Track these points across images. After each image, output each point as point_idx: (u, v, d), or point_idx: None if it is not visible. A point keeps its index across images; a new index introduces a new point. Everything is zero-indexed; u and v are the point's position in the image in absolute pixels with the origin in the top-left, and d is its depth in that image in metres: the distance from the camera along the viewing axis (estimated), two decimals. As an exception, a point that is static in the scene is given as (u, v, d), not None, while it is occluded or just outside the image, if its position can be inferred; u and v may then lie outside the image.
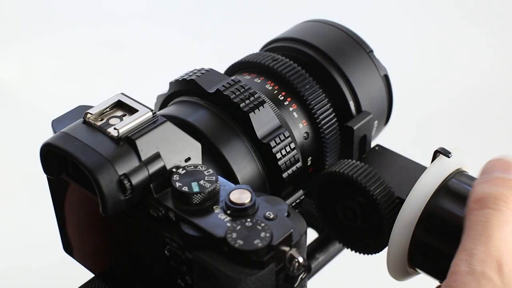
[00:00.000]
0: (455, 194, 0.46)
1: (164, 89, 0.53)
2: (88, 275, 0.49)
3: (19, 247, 0.85)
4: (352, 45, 0.56)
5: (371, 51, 0.56)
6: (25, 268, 0.82)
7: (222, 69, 0.56)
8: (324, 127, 0.52)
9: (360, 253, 0.52)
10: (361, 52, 0.55)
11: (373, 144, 0.55)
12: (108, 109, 0.43)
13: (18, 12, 1.18)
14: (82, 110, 0.44)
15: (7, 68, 1.09)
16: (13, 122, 1.00)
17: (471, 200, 0.42)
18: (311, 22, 0.58)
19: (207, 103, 0.49)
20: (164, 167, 0.41)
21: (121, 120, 0.42)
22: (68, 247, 0.50)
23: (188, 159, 0.43)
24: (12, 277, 0.82)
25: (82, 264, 0.50)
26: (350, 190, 0.50)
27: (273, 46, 0.57)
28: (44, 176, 0.45)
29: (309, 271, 0.39)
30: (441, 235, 0.46)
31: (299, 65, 0.53)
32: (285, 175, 0.48)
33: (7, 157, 0.95)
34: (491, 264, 0.39)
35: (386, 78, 0.56)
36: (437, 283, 0.47)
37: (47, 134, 0.44)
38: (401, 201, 0.48)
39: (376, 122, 0.56)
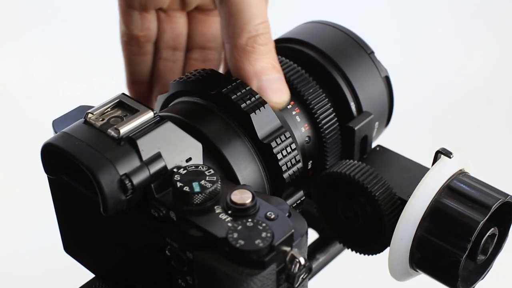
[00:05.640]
0: (458, 195, 0.46)
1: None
2: (88, 275, 0.49)
3: (19, 247, 0.85)
4: (353, 46, 0.55)
5: (372, 52, 0.56)
6: (25, 268, 0.82)
7: (222, 70, 0.56)
8: (325, 127, 0.52)
9: (361, 253, 0.52)
10: (362, 53, 0.55)
11: (374, 144, 0.55)
12: (109, 109, 0.43)
13: (18, 12, 1.18)
14: (82, 110, 0.44)
15: (7, 68, 1.09)
16: (14, 122, 1.00)
17: None
18: (312, 23, 0.58)
19: (208, 104, 0.49)
20: (165, 167, 0.41)
21: (122, 120, 0.42)
22: (68, 247, 0.50)
23: (189, 159, 0.43)
24: (12, 277, 0.82)
25: (82, 264, 0.50)
26: (351, 191, 0.50)
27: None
28: (45, 175, 0.45)
29: (310, 272, 0.39)
30: (443, 236, 0.46)
31: (300, 66, 0.53)
32: (285, 175, 0.48)
33: (8, 157, 0.95)
34: None
35: (387, 80, 0.56)
36: (438, 284, 0.47)
37: (48, 134, 0.44)
38: (402, 202, 0.48)
39: (377, 123, 0.56)
